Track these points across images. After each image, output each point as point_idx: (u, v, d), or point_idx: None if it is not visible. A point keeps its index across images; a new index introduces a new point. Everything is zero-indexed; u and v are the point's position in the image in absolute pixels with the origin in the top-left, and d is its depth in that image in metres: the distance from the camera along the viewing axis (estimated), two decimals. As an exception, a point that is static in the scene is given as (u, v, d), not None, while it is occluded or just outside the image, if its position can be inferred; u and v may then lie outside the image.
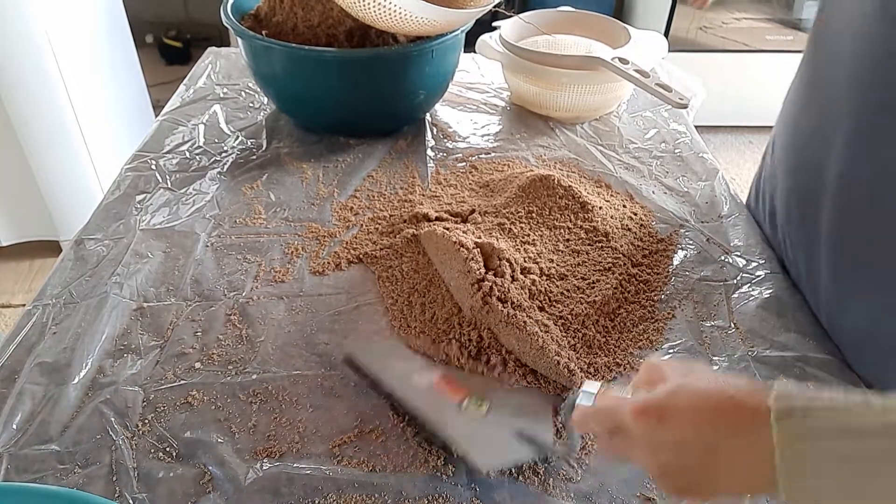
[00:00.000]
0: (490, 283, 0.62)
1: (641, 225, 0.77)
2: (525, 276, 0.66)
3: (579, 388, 0.47)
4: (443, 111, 1.03)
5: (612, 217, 0.77)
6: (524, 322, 0.59)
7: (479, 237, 0.69)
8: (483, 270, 0.63)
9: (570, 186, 0.77)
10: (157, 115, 0.99)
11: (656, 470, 0.38)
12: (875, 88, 0.57)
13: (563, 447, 0.53)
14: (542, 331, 0.59)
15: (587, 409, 0.44)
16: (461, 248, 0.65)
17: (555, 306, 0.64)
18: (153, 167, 0.86)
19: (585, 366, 0.60)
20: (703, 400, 0.35)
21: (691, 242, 0.76)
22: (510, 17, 1.03)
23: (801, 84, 0.71)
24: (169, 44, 2.77)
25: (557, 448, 0.53)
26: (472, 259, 0.64)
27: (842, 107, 0.61)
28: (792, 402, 0.32)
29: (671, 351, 0.62)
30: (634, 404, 0.38)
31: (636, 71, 0.89)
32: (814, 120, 0.67)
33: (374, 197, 0.82)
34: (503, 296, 0.61)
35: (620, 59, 0.90)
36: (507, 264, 0.65)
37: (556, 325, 0.62)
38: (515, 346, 0.59)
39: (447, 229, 0.69)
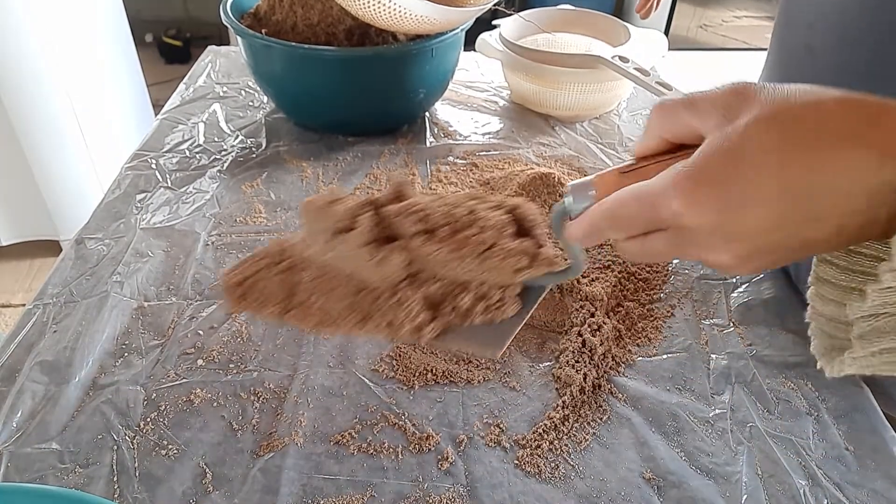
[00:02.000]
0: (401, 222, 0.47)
1: (641, 223, 0.77)
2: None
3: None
4: (443, 110, 1.03)
5: (611, 215, 0.77)
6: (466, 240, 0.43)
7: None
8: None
9: (569, 185, 0.77)
10: (156, 114, 0.99)
11: (731, 264, 0.26)
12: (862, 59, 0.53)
13: (571, 269, 0.40)
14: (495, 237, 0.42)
15: (589, 213, 0.30)
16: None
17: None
18: (153, 166, 0.86)
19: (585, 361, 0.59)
20: (783, 133, 0.22)
21: (691, 241, 0.76)
22: (510, 15, 1.02)
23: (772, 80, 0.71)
24: (168, 42, 2.77)
25: (564, 272, 0.41)
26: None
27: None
28: None
29: (670, 350, 0.62)
30: (675, 177, 0.25)
31: (636, 69, 0.89)
32: None
33: (374, 195, 0.82)
34: (419, 224, 0.46)
35: (620, 58, 0.90)
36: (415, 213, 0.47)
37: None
38: (482, 274, 0.43)
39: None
